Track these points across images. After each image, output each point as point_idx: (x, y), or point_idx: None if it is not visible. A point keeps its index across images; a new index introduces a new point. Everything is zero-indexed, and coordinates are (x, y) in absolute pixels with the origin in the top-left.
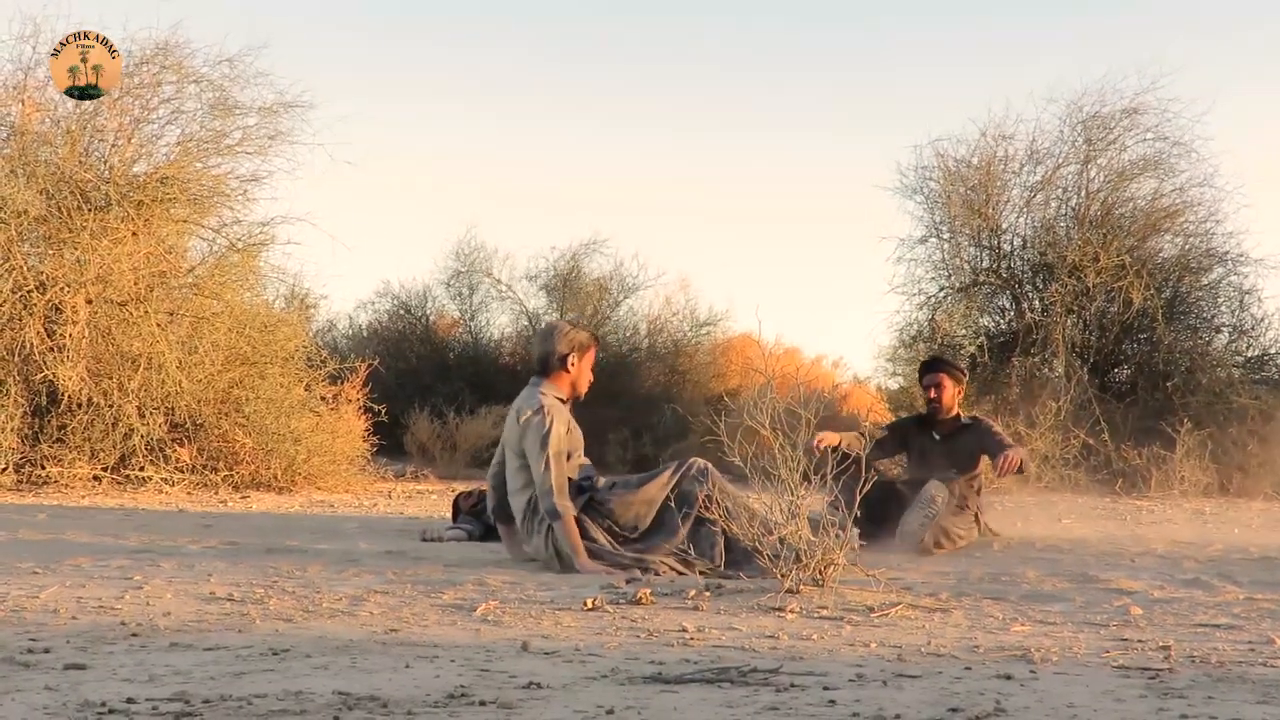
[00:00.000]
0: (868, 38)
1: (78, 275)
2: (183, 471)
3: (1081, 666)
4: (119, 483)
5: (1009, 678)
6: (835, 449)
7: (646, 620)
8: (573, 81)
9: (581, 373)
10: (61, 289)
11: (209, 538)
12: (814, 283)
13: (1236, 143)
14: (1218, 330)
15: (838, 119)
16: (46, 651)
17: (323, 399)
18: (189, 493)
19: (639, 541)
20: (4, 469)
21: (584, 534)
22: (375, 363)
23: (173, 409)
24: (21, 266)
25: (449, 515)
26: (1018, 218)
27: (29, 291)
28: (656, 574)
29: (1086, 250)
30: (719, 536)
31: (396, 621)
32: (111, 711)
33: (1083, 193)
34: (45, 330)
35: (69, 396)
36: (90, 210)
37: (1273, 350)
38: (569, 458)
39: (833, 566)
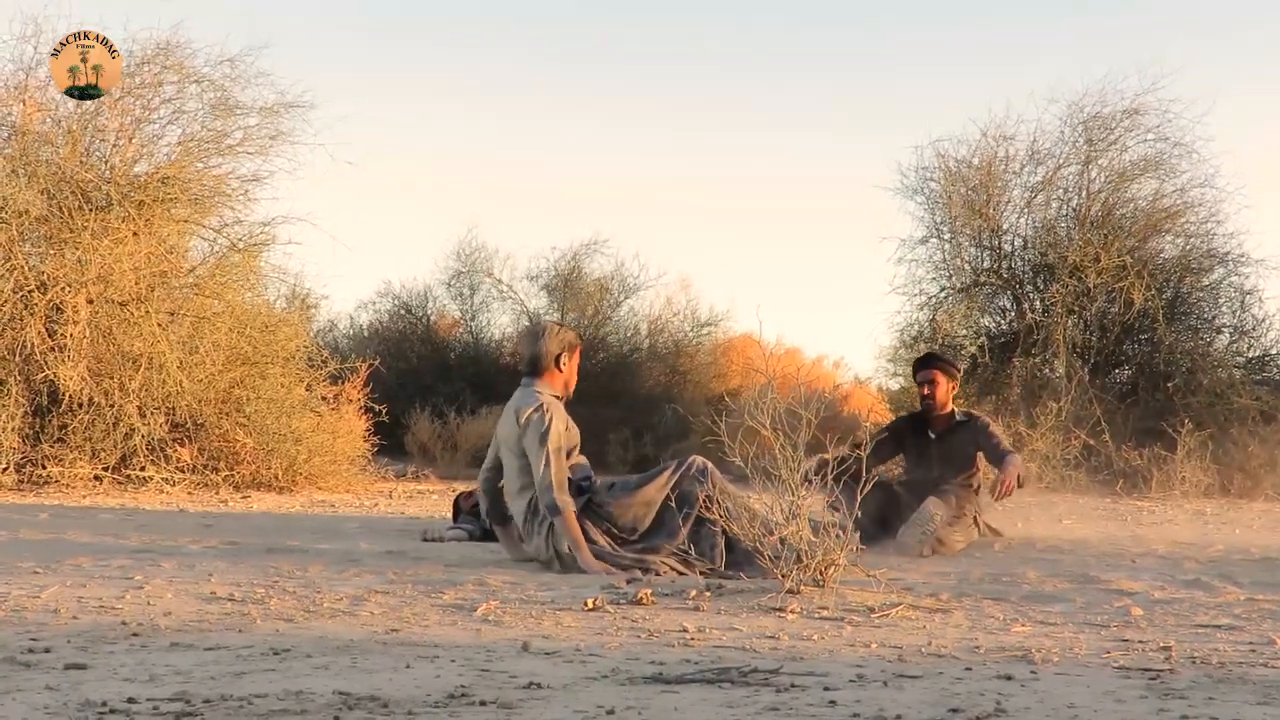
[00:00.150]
0: (868, 38)
1: (79, 275)
2: (184, 471)
3: (1082, 667)
4: (120, 482)
5: (1010, 678)
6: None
7: (647, 620)
8: (573, 81)
9: (572, 372)
10: (62, 289)
11: (210, 537)
12: (815, 283)
13: (1237, 143)
14: (1219, 331)
15: (838, 119)
16: (47, 651)
17: (324, 399)
18: (190, 492)
19: (639, 543)
20: (5, 469)
21: (585, 536)
22: (376, 363)
23: (174, 409)
24: (23, 266)
25: (450, 515)
26: (1018, 218)
27: (30, 291)
28: (657, 574)
29: (1087, 251)
30: (719, 537)
31: (397, 621)
32: (112, 711)
33: (1084, 193)
34: (46, 330)
35: (70, 396)
36: (91, 210)
37: (1274, 351)
38: (568, 455)
39: (833, 567)
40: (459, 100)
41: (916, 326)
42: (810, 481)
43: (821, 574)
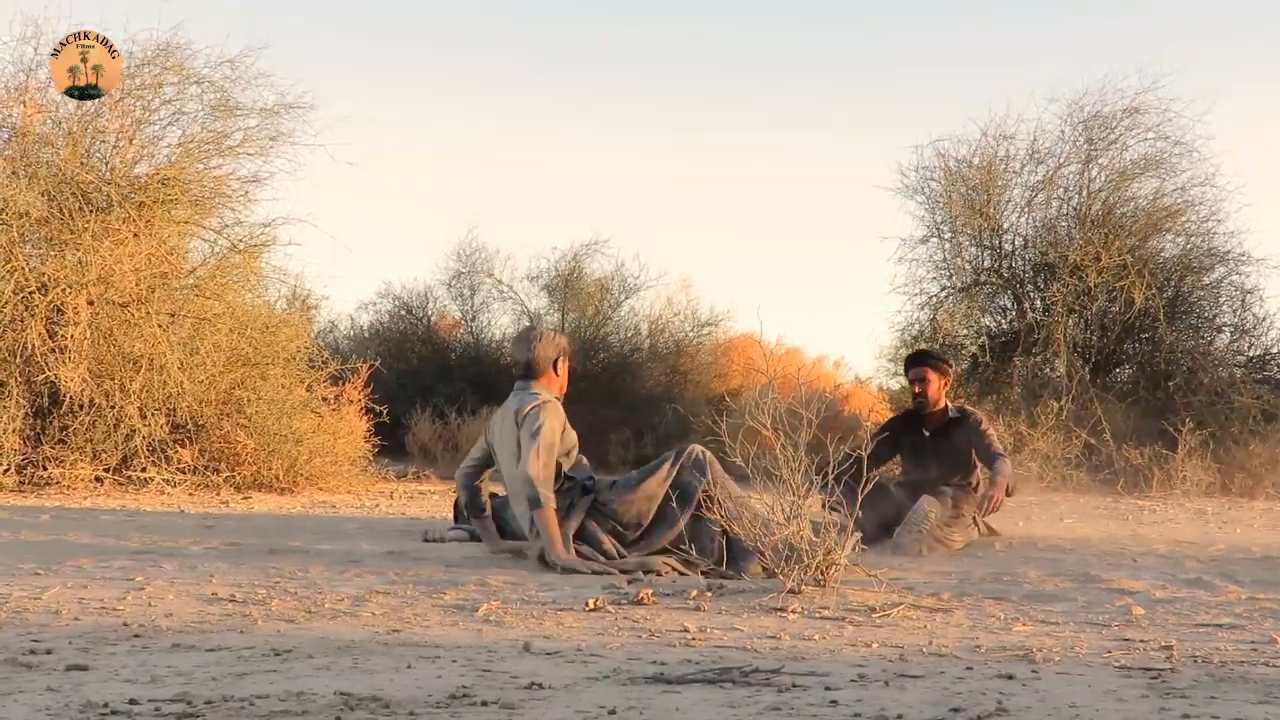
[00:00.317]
0: (868, 38)
1: (79, 276)
2: (184, 472)
3: (1084, 666)
4: (121, 484)
5: (1011, 678)
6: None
7: (648, 620)
8: (573, 81)
9: (565, 375)
10: (63, 290)
11: (211, 538)
12: (815, 283)
13: (1238, 142)
14: (1219, 330)
15: (838, 119)
16: (49, 653)
17: (324, 400)
18: (191, 494)
19: (642, 539)
20: (6, 470)
21: (588, 540)
22: (377, 363)
23: (174, 410)
24: (23, 268)
25: (450, 516)
26: (1019, 217)
27: (31, 293)
28: (659, 574)
29: (1088, 250)
30: (719, 532)
31: (398, 622)
32: (114, 713)
33: (1084, 192)
34: (47, 331)
35: (71, 398)
36: (92, 211)
37: (1274, 350)
38: (567, 455)
39: (834, 567)
40: (459, 100)
41: (917, 326)
42: (812, 482)
43: (822, 574)
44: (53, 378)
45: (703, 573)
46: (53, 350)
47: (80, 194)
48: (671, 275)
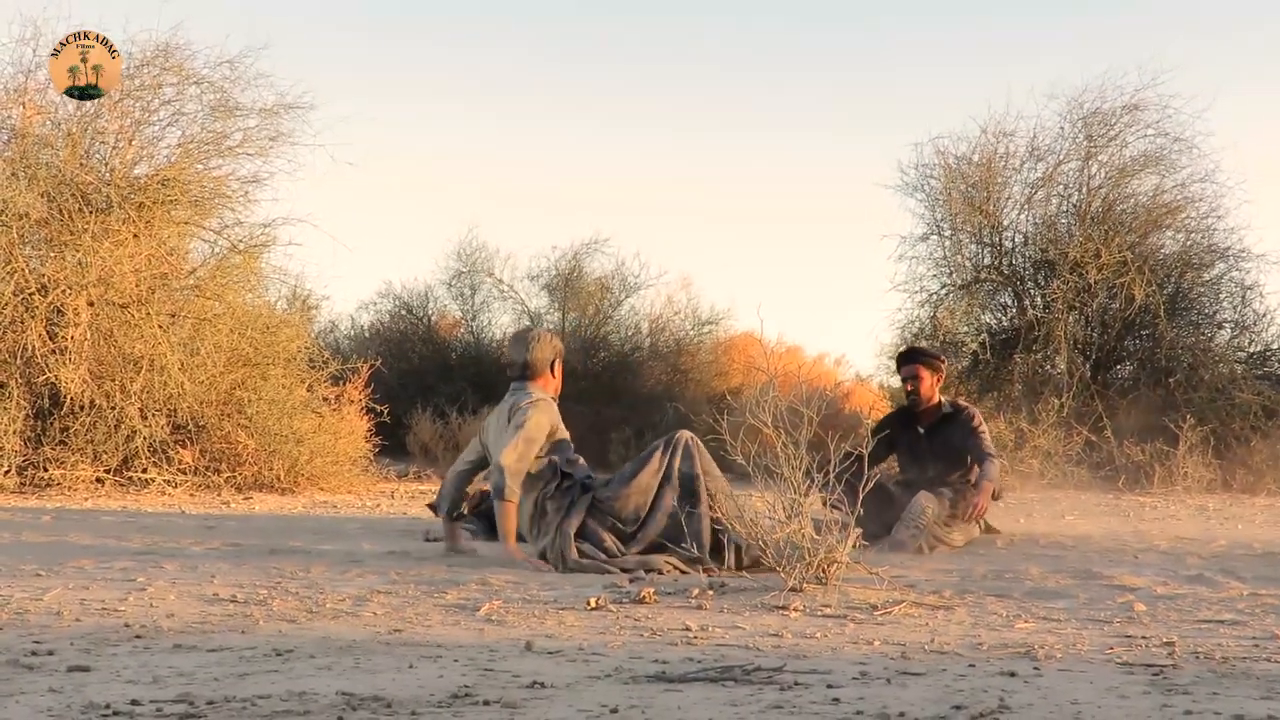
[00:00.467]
0: (868, 38)
1: (79, 277)
2: (185, 473)
3: (1085, 663)
4: (122, 485)
5: (1013, 675)
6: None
7: (650, 619)
8: (573, 81)
9: (560, 376)
10: (63, 291)
11: (212, 539)
12: (816, 281)
13: (1238, 138)
14: (1220, 326)
15: (838, 119)
16: (50, 654)
17: (325, 400)
18: (192, 494)
19: (640, 530)
20: (7, 471)
21: (589, 538)
22: (377, 363)
23: (175, 411)
24: (23, 269)
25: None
26: (1019, 214)
27: (31, 294)
28: (660, 573)
29: (1088, 247)
30: (706, 519)
31: (400, 622)
32: (116, 713)
33: (1084, 189)
34: (47, 333)
35: (71, 399)
36: (91, 212)
37: (1275, 346)
38: (559, 452)
39: (836, 565)
40: (459, 100)
41: (918, 323)
42: (813, 480)
43: (824, 572)
44: (53, 379)
45: (686, 561)
46: (53, 351)
47: (80, 195)
48: (672, 274)
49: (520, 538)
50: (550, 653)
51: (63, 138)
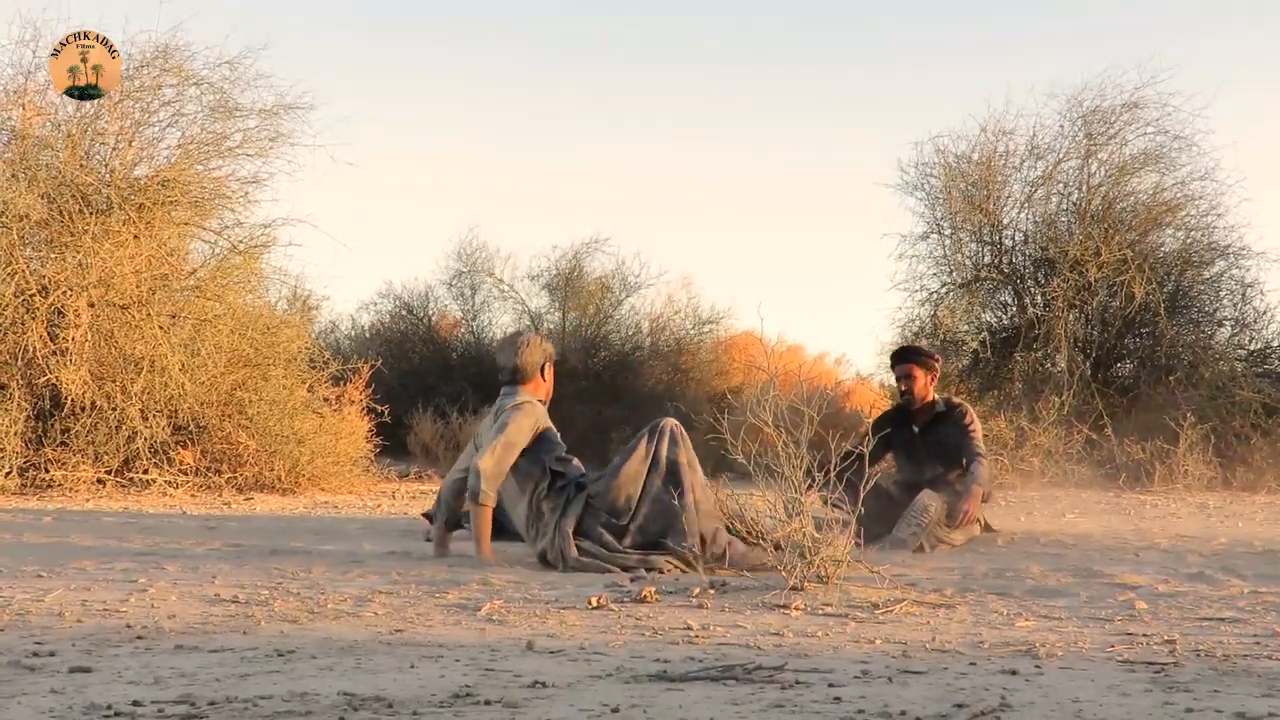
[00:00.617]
0: (868, 38)
1: (80, 279)
2: (186, 474)
3: (1086, 661)
4: (123, 486)
5: (1014, 673)
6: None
7: (651, 618)
8: (573, 81)
9: (551, 380)
10: (64, 292)
11: (213, 540)
12: (816, 280)
13: (1237, 136)
14: (1220, 324)
15: (838, 118)
16: (52, 655)
17: (326, 400)
18: (193, 495)
19: (633, 519)
20: (8, 473)
21: (588, 536)
22: (378, 363)
23: (176, 411)
24: (24, 270)
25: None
26: (1019, 213)
27: (31, 295)
28: (661, 572)
29: (1088, 245)
30: (692, 507)
31: (401, 622)
32: (117, 714)
33: (1084, 187)
34: (48, 334)
35: (72, 400)
36: (92, 214)
37: (1275, 344)
38: (557, 456)
39: (837, 563)
40: (459, 100)
41: (918, 322)
42: (814, 479)
43: (825, 571)
44: (54, 380)
45: (666, 555)
46: (54, 353)
47: (80, 196)
48: (672, 273)
49: (519, 538)
50: (551, 652)
51: (63, 139)
